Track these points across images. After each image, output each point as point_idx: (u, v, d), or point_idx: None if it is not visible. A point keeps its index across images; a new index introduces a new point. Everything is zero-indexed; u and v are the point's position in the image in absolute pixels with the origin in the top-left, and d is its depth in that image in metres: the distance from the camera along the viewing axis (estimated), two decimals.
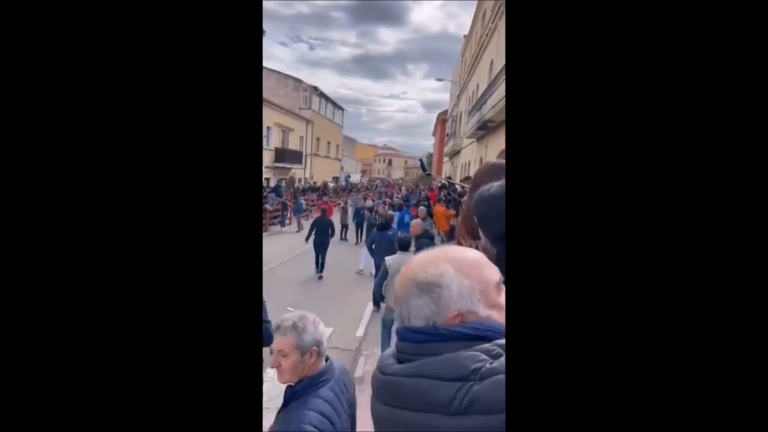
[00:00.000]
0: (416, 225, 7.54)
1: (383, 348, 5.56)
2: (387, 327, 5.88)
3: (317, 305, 8.38)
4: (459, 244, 1.76)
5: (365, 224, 15.38)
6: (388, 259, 5.70)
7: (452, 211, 12.90)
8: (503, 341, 1.00)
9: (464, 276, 1.04)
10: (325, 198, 23.69)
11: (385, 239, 8.23)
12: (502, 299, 1.07)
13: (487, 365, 0.93)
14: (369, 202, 19.70)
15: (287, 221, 20.12)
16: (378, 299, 6.92)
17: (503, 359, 0.95)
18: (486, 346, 0.97)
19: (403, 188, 43.99)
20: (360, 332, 7.62)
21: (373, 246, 8.68)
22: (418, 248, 5.53)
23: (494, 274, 1.08)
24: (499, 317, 1.05)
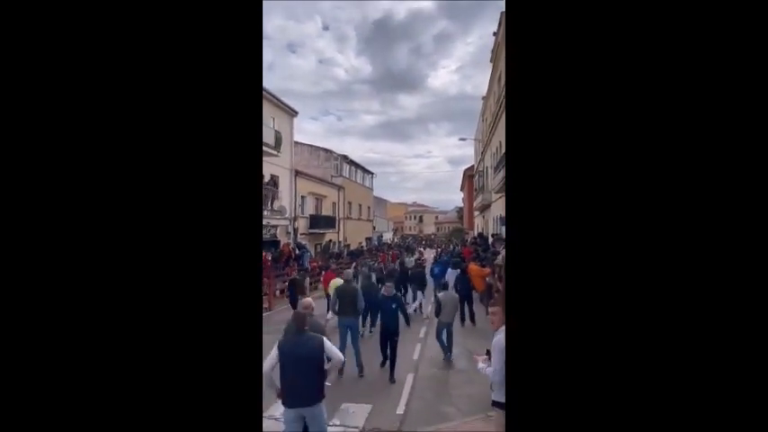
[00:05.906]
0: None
1: (438, 340, 9.21)
2: (440, 333, 9.33)
3: (354, 383, 8.22)
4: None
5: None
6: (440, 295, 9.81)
7: (488, 269, 12.88)
8: None
9: None
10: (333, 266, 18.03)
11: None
12: None
13: None
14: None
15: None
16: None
17: None
18: None
19: (434, 245, 43.75)
20: (400, 410, 6.92)
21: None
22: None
23: None
24: None
